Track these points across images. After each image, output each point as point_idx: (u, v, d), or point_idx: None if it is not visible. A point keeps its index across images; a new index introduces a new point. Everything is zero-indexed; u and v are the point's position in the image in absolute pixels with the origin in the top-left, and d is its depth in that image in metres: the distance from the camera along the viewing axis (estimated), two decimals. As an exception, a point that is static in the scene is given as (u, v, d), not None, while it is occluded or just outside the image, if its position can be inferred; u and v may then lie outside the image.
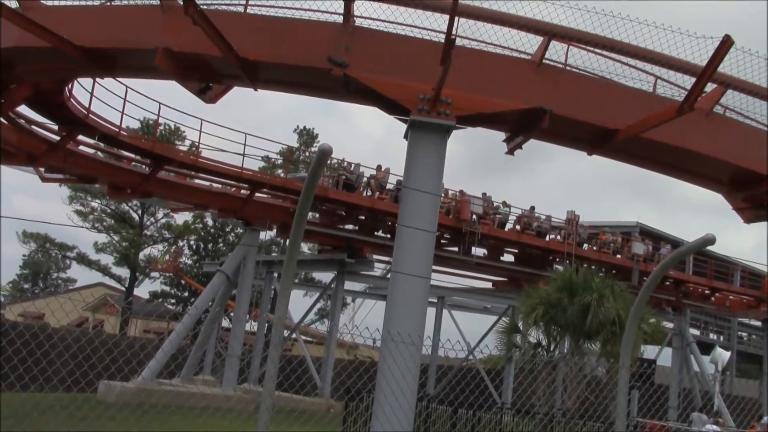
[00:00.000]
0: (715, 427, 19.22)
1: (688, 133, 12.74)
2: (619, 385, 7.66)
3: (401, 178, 26.61)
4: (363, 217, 27.41)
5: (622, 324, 16.26)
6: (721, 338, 50.45)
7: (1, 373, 15.92)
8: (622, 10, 11.68)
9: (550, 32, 12.30)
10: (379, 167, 27.23)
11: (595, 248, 30.67)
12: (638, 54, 12.34)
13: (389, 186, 26.88)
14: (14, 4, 13.60)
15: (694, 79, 11.73)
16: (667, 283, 32.27)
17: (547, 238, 29.98)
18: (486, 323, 35.25)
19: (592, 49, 12.67)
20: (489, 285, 33.29)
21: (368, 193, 26.51)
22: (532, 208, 30.27)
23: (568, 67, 13.05)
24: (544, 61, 12.64)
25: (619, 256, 31.11)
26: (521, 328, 19.22)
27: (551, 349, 18.37)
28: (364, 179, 26.59)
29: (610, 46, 12.33)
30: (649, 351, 31.27)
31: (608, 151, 13.73)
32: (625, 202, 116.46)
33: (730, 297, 35.38)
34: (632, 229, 36.87)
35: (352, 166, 26.70)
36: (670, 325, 34.42)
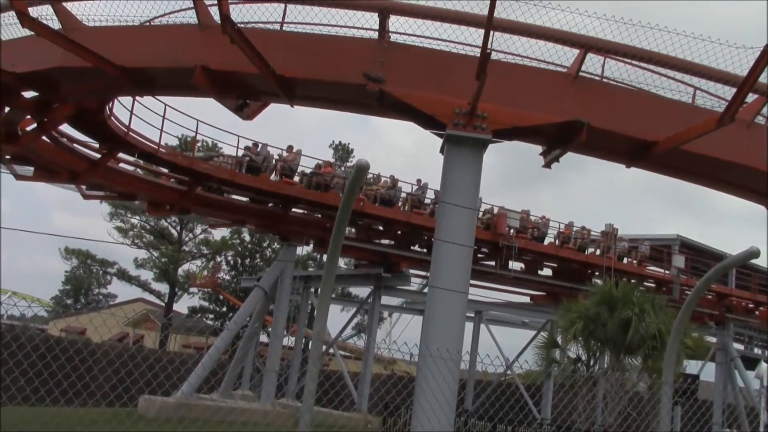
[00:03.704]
0: None
1: (729, 144, 12.51)
2: (662, 402, 7.54)
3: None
4: (399, 232, 27.41)
5: (664, 339, 16.04)
6: (767, 353, 49.30)
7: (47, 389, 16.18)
8: (657, 17, 11.57)
9: (586, 45, 12.22)
10: (290, 148, 25.58)
11: (635, 261, 30.28)
12: (676, 65, 12.20)
13: (427, 201, 26.80)
14: (57, 25, 13.94)
15: (734, 90, 11.54)
16: (710, 296, 31.70)
17: (586, 252, 29.69)
18: (524, 338, 35.05)
19: (629, 61, 12.56)
20: (527, 299, 33.02)
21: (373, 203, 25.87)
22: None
23: (605, 80, 12.96)
24: (580, 73, 12.57)
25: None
26: (560, 343, 19.03)
27: (591, 364, 18.14)
28: (273, 161, 24.93)
29: (648, 58, 12.21)
30: (692, 366, 30.69)
31: (647, 164, 13.55)
32: (663, 214, 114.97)
33: (775, 311, 34.61)
34: (672, 241, 36.21)
35: (259, 146, 24.66)
36: (713, 339, 33.77)
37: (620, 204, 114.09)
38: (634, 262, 29.99)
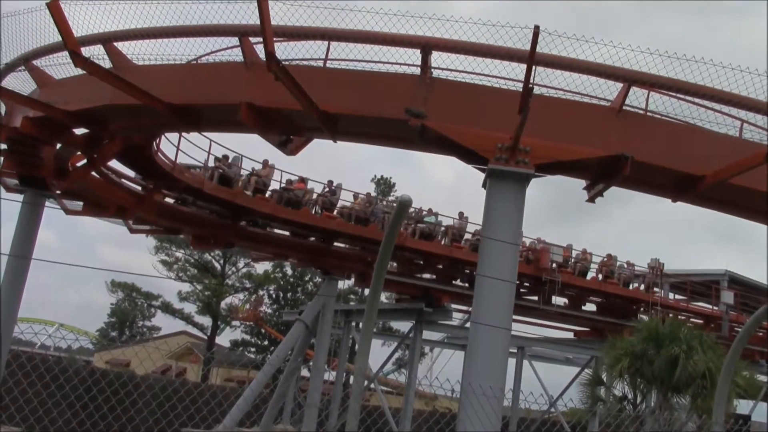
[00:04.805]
0: None
1: (778, 178, 12.27)
2: (713, 443, 7.32)
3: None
4: (441, 266, 27.29)
5: (713, 377, 15.66)
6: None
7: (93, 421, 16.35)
8: (704, 49, 11.46)
9: (630, 78, 12.15)
10: (265, 162, 24.51)
11: (641, 287, 29.49)
12: (723, 98, 12.04)
13: (467, 236, 26.68)
14: (108, 64, 14.34)
15: (783, 123, 11.36)
16: (761, 333, 30.86)
17: (630, 287, 29.19)
18: (568, 375, 34.36)
19: (674, 94, 12.44)
20: (570, 335, 32.50)
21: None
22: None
23: (649, 113, 12.84)
24: (624, 107, 12.47)
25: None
26: (605, 381, 18.67)
27: (638, 402, 17.75)
28: (243, 176, 23.69)
29: (693, 91, 12.07)
30: (742, 406, 29.77)
31: (694, 198, 13.32)
32: (711, 248, 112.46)
33: (829, 349, 33.49)
34: (721, 277, 35.42)
35: (230, 158, 23.48)
36: (765, 378, 32.79)
37: (666, 238, 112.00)
38: (641, 287, 29.22)
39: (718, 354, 16.51)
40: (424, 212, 26.66)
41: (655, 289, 29.23)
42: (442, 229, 26.43)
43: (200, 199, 22.83)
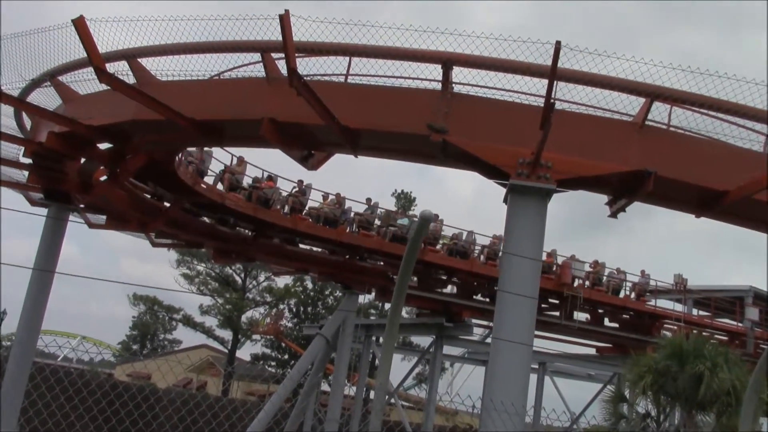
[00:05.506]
0: None
1: (804, 193, 12.12)
2: (739, 463, 7.21)
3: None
4: (461, 281, 27.19)
5: (738, 395, 15.45)
6: None
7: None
8: (728, 64, 11.37)
9: (652, 94, 12.07)
10: (240, 159, 23.67)
11: (632, 296, 28.95)
12: (747, 113, 11.92)
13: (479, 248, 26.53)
14: (132, 80, 14.50)
15: (808, 138, 11.23)
16: (787, 350, 30.43)
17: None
18: (590, 391, 33.99)
19: (697, 109, 12.35)
20: (593, 351, 32.18)
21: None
22: (597, 262, 29.11)
23: (672, 128, 12.75)
24: (646, 122, 12.39)
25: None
26: (628, 397, 18.46)
27: (661, 420, 17.52)
28: (215, 170, 22.76)
29: (717, 106, 11.97)
30: (769, 424, 29.34)
31: (717, 214, 13.17)
32: (735, 264, 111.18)
33: None
34: (745, 293, 34.97)
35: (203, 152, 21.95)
36: (792, 396, 32.26)
37: (689, 253, 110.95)
38: (632, 296, 28.73)
39: (744, 371, 16.29)
40: (399, 214, 26.17)
41: (646, 297, 28.76)
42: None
43: (225, 213, 22.94)
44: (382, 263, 26.54)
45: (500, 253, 25.05)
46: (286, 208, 24.07)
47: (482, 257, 26.26)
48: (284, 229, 24.07)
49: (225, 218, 23.58)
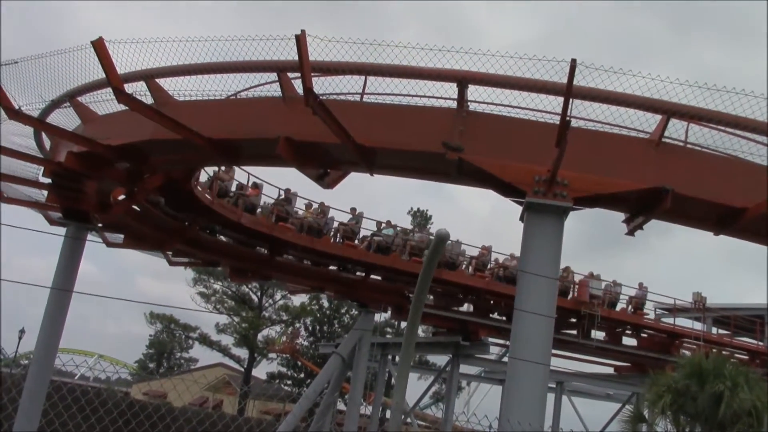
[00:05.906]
0: None
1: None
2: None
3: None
4: (478, 299, 27.08)
5: (760, 415, 15.26)
6: None
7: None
8: (747, 82, 11.32)
9: (669, 111, 12.03)
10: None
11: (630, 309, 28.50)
12: (764, 129, 11.85)
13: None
14: (149, 100, 14.63)
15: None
16: (809, 369, 30.03)
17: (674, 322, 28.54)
18: (608, 411, 33.66)
19: (714, 126, 12.28)
20: (611, 370, 31.87)
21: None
22: (591, 274, 28.69)
23: (689, 145, 12.68)
24: (663, 139, 12.34)
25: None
26: (647, 417, 18.24)
27: (681, 440, 17.29)
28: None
29: (734, 123, 11.89)
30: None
31: (736, 231, 13.05)
32: (754, 282, 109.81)
33: None
34: (765, 312, 34.61)
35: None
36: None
37: (709, 272, 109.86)
38: (629, 309, 28.30)
39: (765, 391, 16.07)
40: (383, 224, 25.87)
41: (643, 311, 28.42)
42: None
43: (241, 232, 22.96)
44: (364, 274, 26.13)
45: (515, 271, 24.95)
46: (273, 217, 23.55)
47: (470, 268, 26.11)
48: (268, 237, 23.49)
49: (212, 227, 23.20)
